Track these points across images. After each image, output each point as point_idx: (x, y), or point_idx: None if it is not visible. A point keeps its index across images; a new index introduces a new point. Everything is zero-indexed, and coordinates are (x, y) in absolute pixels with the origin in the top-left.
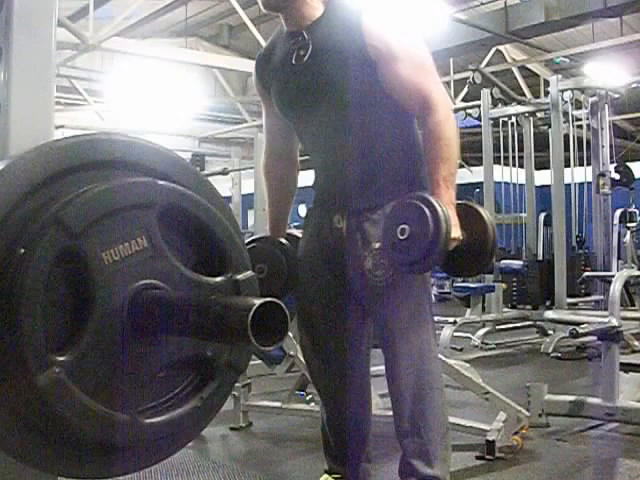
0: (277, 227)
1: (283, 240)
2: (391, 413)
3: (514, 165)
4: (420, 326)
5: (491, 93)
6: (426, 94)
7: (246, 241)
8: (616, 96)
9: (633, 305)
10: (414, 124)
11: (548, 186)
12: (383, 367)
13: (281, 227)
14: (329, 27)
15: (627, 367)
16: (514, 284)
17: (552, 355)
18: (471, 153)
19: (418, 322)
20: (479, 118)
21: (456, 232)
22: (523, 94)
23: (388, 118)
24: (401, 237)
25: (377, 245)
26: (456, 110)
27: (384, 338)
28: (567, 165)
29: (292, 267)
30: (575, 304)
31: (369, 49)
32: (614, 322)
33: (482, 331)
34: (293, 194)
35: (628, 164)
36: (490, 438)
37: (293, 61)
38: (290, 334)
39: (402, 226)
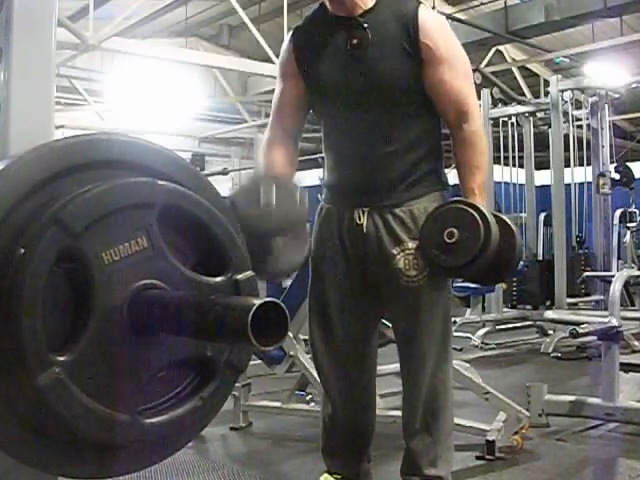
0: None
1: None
2: (391, 413)
3: (514, 165)
4: (445, 328)
5: (491, 93)
6: (465, 102)
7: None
8: (616, 96)
9: (633, 305)
10: (440, 127)
11: (548, 186)
12: (382, 367)
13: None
14: (383, 17)
15: (627, 367)
16: (514, 284)
17: (552, 355)
18: None
19: (444, 324)
20: None
21: None
22: (523, 94)
23: (426, 118)
24: (448, 240)
25: (412, 245)
26: None
27: (407, 337)
28: (567, 165)
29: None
30: (575, 304)
31: (422, 46)
32: (614, 322)
33: (482, 331)
34: (293, 174)
35: (628, 164)
36: (490, 438)
37: (348, 46)
38: (290, 334)
39: (450, 229)
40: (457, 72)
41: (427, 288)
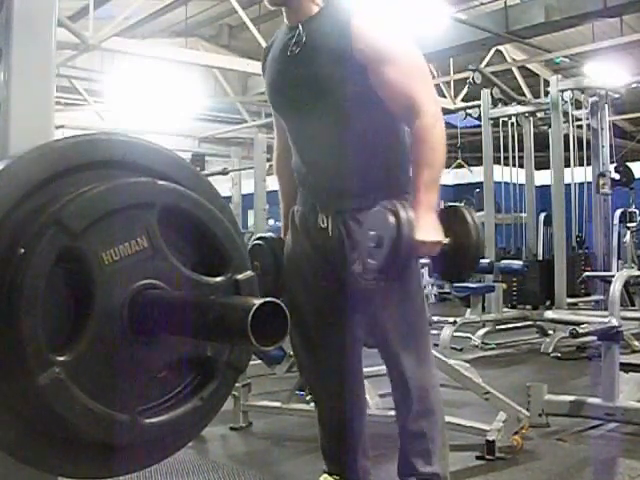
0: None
1: (282, 239)
2: (391, 413)
3: (514, 165)
4: (412, 328)
5: (491, 93)
6: (413, 98)
7: (253, 238)
8: (616, 96)
9: (633, 305)
10: (403, 127)
11: (548, 186)
12: (383, 367)
13: None
14: (322, 24)
15: (627, 367)
16: (514, 284)
17: (552, 355)
18: (471, 153)
19: (415, 324)
20: (479, 118)
21: (437, 236)
22: (523, 94)
23: (377, 120)
24: (372, 245)
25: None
26: (456, 110)
27: (382, 341)
28: (567, 165)
29: (279, 266)
30: (575, 304)
31: (356, 53)
32: (614, 322)
33: (482, 331)
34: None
35: (628, 164)
36: (490, 438)
37: (288, 53)
38: None
39: (372, 233)
40: (400, 69)
41: (385, 290)
